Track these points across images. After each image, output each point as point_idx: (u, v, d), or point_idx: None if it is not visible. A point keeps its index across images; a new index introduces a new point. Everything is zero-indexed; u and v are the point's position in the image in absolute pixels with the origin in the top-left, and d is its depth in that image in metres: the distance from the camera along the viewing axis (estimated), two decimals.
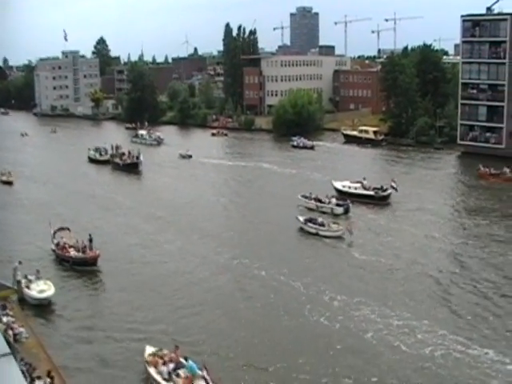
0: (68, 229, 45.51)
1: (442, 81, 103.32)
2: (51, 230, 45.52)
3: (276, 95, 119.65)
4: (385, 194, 56.79)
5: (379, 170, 74.98)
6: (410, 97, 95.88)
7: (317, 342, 31.75)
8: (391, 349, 30.74)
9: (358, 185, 58.46)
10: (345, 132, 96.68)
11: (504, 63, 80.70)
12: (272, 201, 60.60)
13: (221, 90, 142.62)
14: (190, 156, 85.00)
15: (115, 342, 31.70)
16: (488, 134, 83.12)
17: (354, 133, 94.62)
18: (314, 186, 60.66)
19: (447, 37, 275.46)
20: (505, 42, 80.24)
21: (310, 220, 49.16)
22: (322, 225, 48.18)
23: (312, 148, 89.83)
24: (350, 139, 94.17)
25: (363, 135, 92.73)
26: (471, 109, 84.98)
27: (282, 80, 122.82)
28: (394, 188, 56.92)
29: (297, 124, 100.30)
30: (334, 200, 54.59)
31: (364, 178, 59.49)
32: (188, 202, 60.31)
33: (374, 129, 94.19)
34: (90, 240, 43.40)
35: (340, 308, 35.28)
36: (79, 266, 41.83)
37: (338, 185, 59.52)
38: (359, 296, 36.61)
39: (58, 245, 44.09)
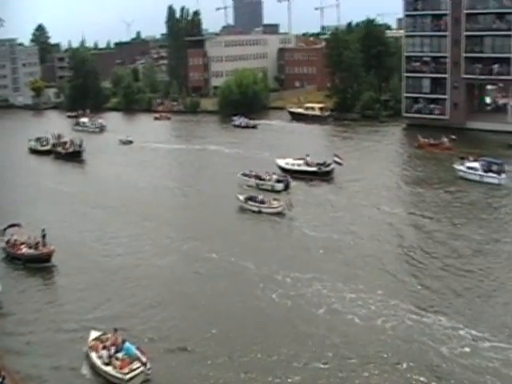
0: (19, 225, 43.48)
1: (386, 55, 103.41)
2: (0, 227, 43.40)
3: (221, 76, 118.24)
4: (328, 169, 57.08)
5: (326, 146, 74.88)
6: (355, 72, 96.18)
7: (270, 321, 31.44)
8: (345, 322, 30.72)
9: (301, 161, 58.46)
10: (291, 110, 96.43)
11: (446, 36, 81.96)
12: (217, 182, 59.81)
13: (165, 73, 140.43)
14: (131, 141, 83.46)
15: (66, 343, 30.11)
16: (432, 106, 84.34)
17: (300, 110, 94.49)
18: (260, 165, 60.03)
19: (390, 11, 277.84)
20: (446, 14, 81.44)
21: (250, 198, 49.17)
22: (263, 202, 48.19)
23: (254, 127, 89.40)
24: (296, 117, 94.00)
25: (309, 112, 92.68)
26: (415, 81, 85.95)
27: (226, 60, 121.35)
28: (337, 163, 57.11)
29: (243, 104, 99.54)
30: (274, 176, 54.74)
31: (307, 155, 59.29)
32: (133, 188, 58.93)
33: (320, 105, 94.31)
34: (43, 235, 41.26)
35: (292, 285, 35.04)
36: (32, 264, 39.89)
37: (282, 162, 59.34)
38: (311, 272, 36.39)
39: (8, 242, 42.08)
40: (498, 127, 79.35)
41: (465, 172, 56.06)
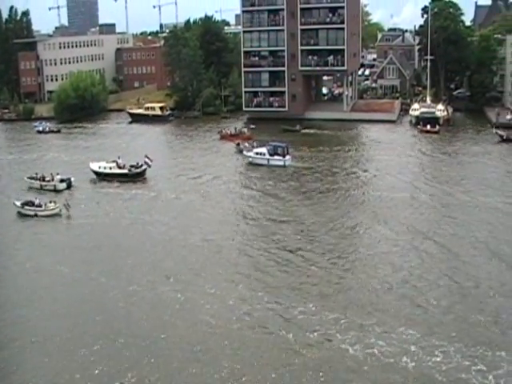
0: None
1: (226, 51, 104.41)
2: None
3: (56, 80, 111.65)
4: (138, 170, 57.13)
5: (159, 147, 73.67)
6: (195, 69, 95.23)
7: (117, 330, 29.20)
8: (200, 322, 29.53)
9: (113, 164, 57.97)
10: (130, 111, 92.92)
11: (283, 30, 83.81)
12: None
13: None
14: None
15: None
16: (272, 99, 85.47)
17: (140, 111, 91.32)
18: (79, 169, 59.92)
19: (228, 8, 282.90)
20: (282, 9, 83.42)
21: (26, 203, 48.47)
22: (40, 206, 47.93)
23: (58, 131, 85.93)
24: (136, 118, 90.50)
25: (149, 112, 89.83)
26: (254, 76, 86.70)
27: (61, 63, 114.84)
28: (147, 164, 56.84)
29: (80, 108, 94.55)
30: (57, 177, 55.31)
31: (118, 157, 58.89)
32: None
33: (161, 105, 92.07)
34: None
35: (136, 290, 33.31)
36: None
37: (95, 166, 58.66)
38: (144, 274, 35.13)
39: None
40: (334, 116, 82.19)
41: (253, 157, 60.20)
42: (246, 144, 64.77)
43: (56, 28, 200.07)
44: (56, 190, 53.74)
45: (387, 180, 53.60)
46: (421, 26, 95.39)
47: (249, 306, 30.78)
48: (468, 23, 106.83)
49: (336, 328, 28.21)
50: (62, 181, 54.79)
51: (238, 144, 65.89)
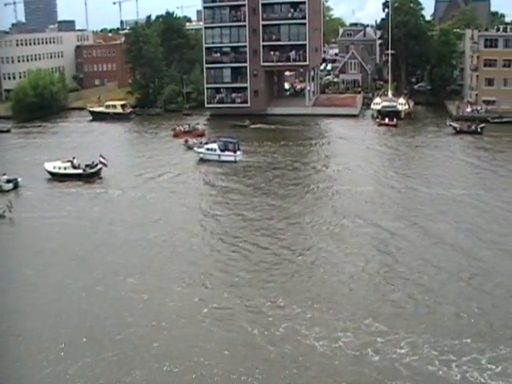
0: None
1: (187, 47, 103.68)
2: None
3: (14, 78, 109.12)
4: (93, 170, 56.13)
5: (118, 145, 72.73)
6: (156, 66, 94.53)
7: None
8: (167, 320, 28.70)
9: (68, 164, 56.97)
10: (91, 109, 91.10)
11: (244, 26, 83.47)
12: None
13: None
14: None
15: None
16: (234, 95, 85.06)
17: (101, 109, 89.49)
18: (34, 169, 58.60)
19: (190, 4, 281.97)
20: (244, 5, 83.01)
21: None
22: None
23: (8, 131, 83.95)
24: (97, 116, 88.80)
25: (110, 110, 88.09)
26: (216, 72, 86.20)
27: (19, 61, 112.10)
28: (102, 163, 55.90)
29: (39, 106, 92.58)
30: (4, 177, 54.03)
31: (73, 157, 57.77)
32: None
33: (122, 102, 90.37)
34: None
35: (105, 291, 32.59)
36: None
37: (49, 166, 57.41)
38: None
39: None
40: (296, 111, 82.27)
41: (204, 153, 60.18)
42: (195, 140, 65.33)
43: (13, 25, 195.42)
44: (2, 191, 52.48)
45: (331, 172, 55.07)
46: (382, 20, 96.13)
47: (214, 303, 30.46)
48: (428, 18, 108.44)
49: (302, 322, 28.03)
50: (8, 181, 53.40)
51: (187, 141, 66.05)
